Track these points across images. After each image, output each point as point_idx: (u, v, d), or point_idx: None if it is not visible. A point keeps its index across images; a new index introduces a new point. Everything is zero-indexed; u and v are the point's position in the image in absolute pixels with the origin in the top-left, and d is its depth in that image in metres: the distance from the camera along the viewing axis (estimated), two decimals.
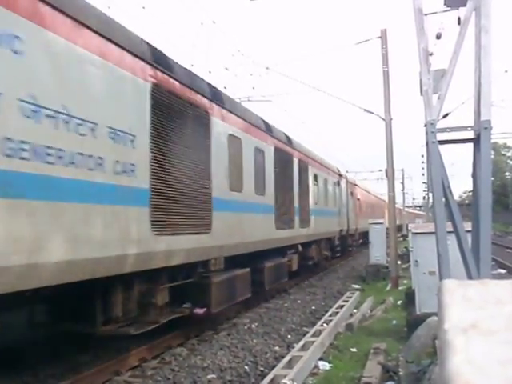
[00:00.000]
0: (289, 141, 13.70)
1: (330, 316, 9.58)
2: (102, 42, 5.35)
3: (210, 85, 8.69)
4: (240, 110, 10.21)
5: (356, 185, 27.80)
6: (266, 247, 10.94)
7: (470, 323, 1.16)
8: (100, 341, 7.41)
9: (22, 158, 4.14)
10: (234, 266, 9.46)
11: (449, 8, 5.78)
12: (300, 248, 14.92)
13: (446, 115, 5.60)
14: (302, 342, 7.47)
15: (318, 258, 17.60)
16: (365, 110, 16.75)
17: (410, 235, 9.89)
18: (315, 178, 16.79)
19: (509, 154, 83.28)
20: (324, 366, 6.86)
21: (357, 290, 13.91)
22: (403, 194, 58.69)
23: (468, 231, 5.16)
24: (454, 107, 6.44)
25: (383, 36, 15.54)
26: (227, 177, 8.81)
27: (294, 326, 9.54)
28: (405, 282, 14.42)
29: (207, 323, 9.23)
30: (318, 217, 16.50)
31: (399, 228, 36.78)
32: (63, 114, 4.64)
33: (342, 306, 10.59)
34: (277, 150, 12.11)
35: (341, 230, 21.23)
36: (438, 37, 11.85)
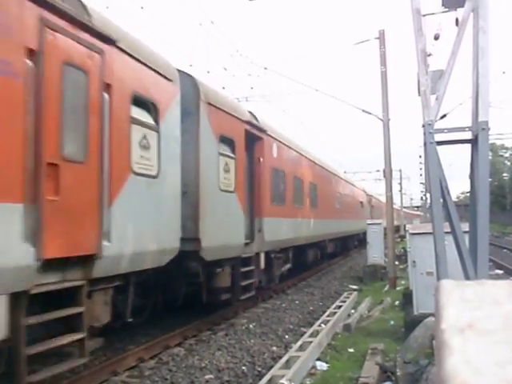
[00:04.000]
0: None
1: (328, 316, 9.58)
2: None
3: None
4: None
5: None
6: None
7: (467, 323, 1.17)
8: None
9: None
10: None
11: (447, 9, 5.80)
12: None
13: (444, 116, 5.62)
14: (299, 343, 7.47)
15: None
16: (363, 110, 16.77)
17: (407, 236, 9.90)
18: None
19: (506, 155, 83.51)
20: (321, 366, 6.87)
21: (354, 290, 13.92)
22: (401, 194, 58.81)
23: (465, 232, 5.17)
24: (451, 108, 6.46)
25: (381, 37, 15.56)
26: None
27: (291, 327, 9.54)
28: (402, 282, 14.44)
29: (205, 323, 9.23)
30: None
31: (397, 228, 36.72)
32: None
33: (339, 307, 10.59)
34: None
35: None
36: (436, 38, 11.87)
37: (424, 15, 5.40)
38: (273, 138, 12.30)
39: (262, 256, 11.24)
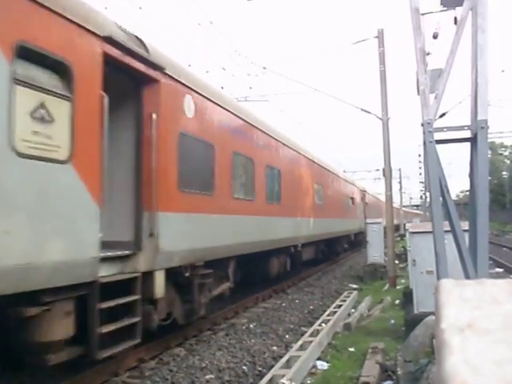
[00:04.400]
0: None
1: (328, 316, 9.59)
2: None
3: None
4: None
5: None
6: None
7: (466, 323, 1.17)
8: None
9: None
10: None
11: (445, 8, 5.80)
12: None
13: (443, 115, 5.62)
14: (300, 342, 7.47)
15: None
16: (362, 109, 16.77)
17: (407, 235, 9.90)
18: None
19: (506, 154, 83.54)
20: (322, 365, 6.87)
21: (355, 289, 13.93)
22: (400, 193, 58.89)
23: (465, 230, 5.17)
24: (451, 107, 6.46)
25: (380, 36, 15.57)
26: None
27: (292, 326, 9.54)
28: (402, 281, 14.44)
29: (206, 323, 9.23)
30: None
31: (397, 227, 36.64)
32: None
33: (339, 306, 10.60)
34: None
35: None
36: (435, 36, 11.88)
37: (423, 14, 5.40)
38: (183, 84, 7.53)
39: (159, 277, 6.67)
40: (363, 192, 31.52)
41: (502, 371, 1.04)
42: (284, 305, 11.84)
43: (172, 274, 7.13)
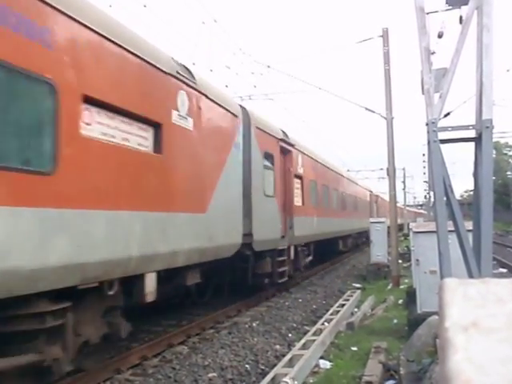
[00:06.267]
0: None
1: (331, 315, 9.58)
2: None
3: None
4: None
5: None
6: None
7: (470, 322, 1.17)
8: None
9: None
10: None
11: (450, 7, 5.78)
12: None
13: (448, 114, 5.61)
14: (302, 341, 7.48)
15: None
16: (366, 108, 16.72)
17: (411, 234, 9.89)
18: None
19: (510, 153, 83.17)
20: (325, 364, 6.87)
21: (358, 288, 13.91)
22: (404, 192, 58.78)
23: (469, 230, 5.16)
24: (455, 106, 6.45)
25: (385, 35, 15.52)
26: None
27: (294, 325, 9.54)
28: (406, 281, 14.41)
29: (208, 322, 9.25)
30: None
31: (400, 227, 36.48)
32: None
33: (342, 305, 10.59)
34: None
35: None
36: (440, 35, 11.81)
37: (428, 13, 5.38)
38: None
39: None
40: (313, 160, 16.25)
41: (506, 370, 1.04)
42: (287, 304, 11.85)
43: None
